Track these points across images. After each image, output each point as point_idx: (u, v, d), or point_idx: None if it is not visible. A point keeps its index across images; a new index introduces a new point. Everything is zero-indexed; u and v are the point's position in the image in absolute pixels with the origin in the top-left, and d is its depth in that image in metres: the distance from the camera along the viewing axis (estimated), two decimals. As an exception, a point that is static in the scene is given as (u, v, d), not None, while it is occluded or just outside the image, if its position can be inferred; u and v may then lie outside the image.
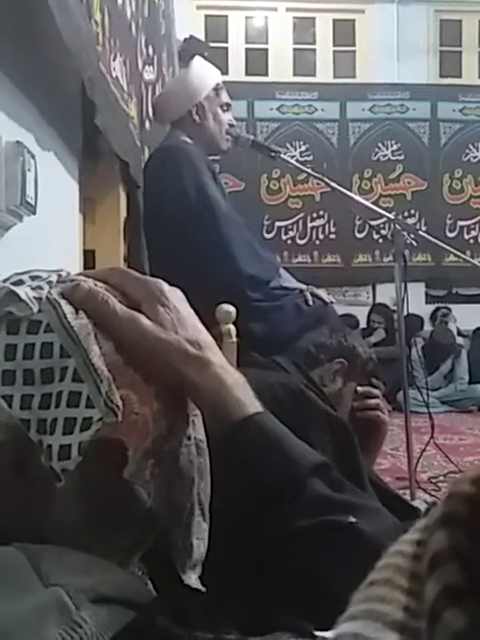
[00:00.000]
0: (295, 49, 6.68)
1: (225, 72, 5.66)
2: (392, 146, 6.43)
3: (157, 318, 0.49)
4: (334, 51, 6.70)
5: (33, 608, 0.33)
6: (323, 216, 6.32)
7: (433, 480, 2.49)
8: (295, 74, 6.65)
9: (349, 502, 0.54)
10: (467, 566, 0.19)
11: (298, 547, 0.50)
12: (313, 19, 6.70)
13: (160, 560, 0.48)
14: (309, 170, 2.50)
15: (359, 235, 6.28)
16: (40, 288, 0.46)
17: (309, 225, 6.35)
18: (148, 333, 0.48)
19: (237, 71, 6.51)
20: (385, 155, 6.43)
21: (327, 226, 6.35)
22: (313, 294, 2.10)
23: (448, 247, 2.58)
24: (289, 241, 6.32)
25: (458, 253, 2.60)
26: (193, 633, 0.36)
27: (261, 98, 6.29)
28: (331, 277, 6.09)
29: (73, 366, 0.44)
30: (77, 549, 0.41)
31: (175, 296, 0.52)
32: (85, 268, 1.91)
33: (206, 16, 6.56)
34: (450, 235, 6.34)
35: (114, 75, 1.92)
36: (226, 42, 6.59)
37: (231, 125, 2.27)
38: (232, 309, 1.65)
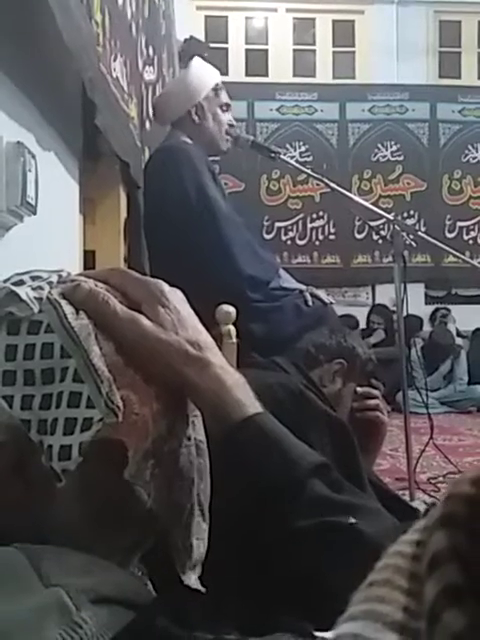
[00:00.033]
0: (295, 50, 6.69)
1: (225, 73, 5.67)
2: (391, 147, 6.44)
3: (157, 319, 0.49)
4: (334, 52, 6.71)
5: (33, 608, 0.33)
6: (323, 217, 6.32)
7: (432, 481, 2.49)
8: (295, 75, 6.66)
9: (349, 503, 0.54)
10: (467, 567, 0.19)
11: (298, 548, 0.50)
12: (313, 20, 6.70)
13: (160, 560, 0.48)
14: (309, 171, 2.50)
15: (359, 236, 6.29)
16: (41, 288, 0.46)
17: (309, 226, 6.35)
18: (148, 334, 0.48)
19: (237, 72, 6.51)
20: (384, 156, 6.44)
21: (327, 227, 6.35)
22: (313, 295, 2.10)
23: (447, 248, 2.58)
24: (289, 242, 6.32)
25: (457, 254, 2.61)
26: (193, 634, 0.36)
27: (261, 99, 6.29)
28: (331, 278, 6.10)
29: (74, 366, 0.44)
30: (77, 549, 0.41)
31: (175, 297, 0.52)
32: (85, 269, 1.91)
33: (206, 17, 6.56)
34: (449, 236, 6.34)
35: (114, 75, 1.92)
36: (226, 43, 6.59)
37: (231, 125, 2.27)
38: (232, 310, 1.65)
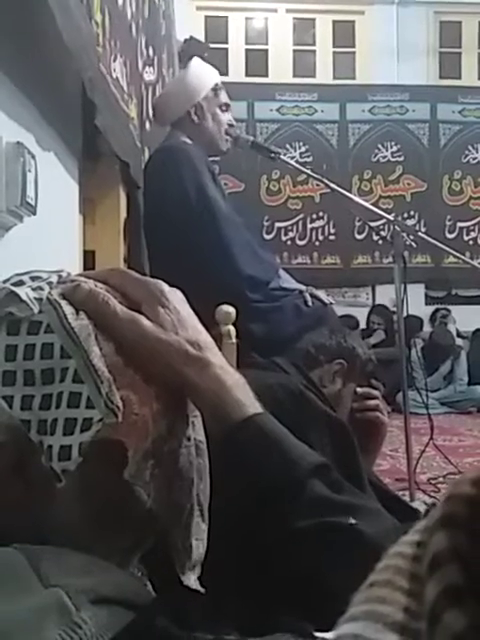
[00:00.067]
0: (295, 50, 6.69)
1: (225, 73, 5.68)
2: (392, 147, 6.44)
3: (157, 319, 0.49)
4: (334, 52, 6.72)
5: (33, 609, 0.33)
6: (323, 217, 6.32)
7: (432, 481, 2.49)
8: (295, 75, 6.66)
9: (349, 503, 0.54)
10: (467, 567, 0.19)
11: (298, 548, 0.50)
12: (313, 20, 6.71)
13: (160, 561, 0.48)
14: (309, 171, 2.51)
15: (359, 236, 6.29)
16: (41, 289, 0.46)
17: (309, 226, 6.35)
18: (148, 334, 0.48)
19: (237, 72, 6.52)
20: (385, 156, 6.44)
21: (327, 227, 6.35)
22: (312, 295, 2.10)
23: (448, 248, 2.58)
24: (289, 242, 6.32)
25: (458, 254, 2.61)
26: (193, 634, 0.36)
27: (261, 99, 6.29)
28: (331, 278, 6.10)
29: (73, 367, 0.44)
30: (77, 550, 0.41)
31: (175, 297, 0.52)
32: (85, 269, 1.91)
33: (206, 17, 6.57)
34: (449, 236, 6.34)
35: (114, 76, 1.92)
36: (226, 43, 6.60)
37: (230, 125, 2.27)
38: (232, 310, 1.65)
